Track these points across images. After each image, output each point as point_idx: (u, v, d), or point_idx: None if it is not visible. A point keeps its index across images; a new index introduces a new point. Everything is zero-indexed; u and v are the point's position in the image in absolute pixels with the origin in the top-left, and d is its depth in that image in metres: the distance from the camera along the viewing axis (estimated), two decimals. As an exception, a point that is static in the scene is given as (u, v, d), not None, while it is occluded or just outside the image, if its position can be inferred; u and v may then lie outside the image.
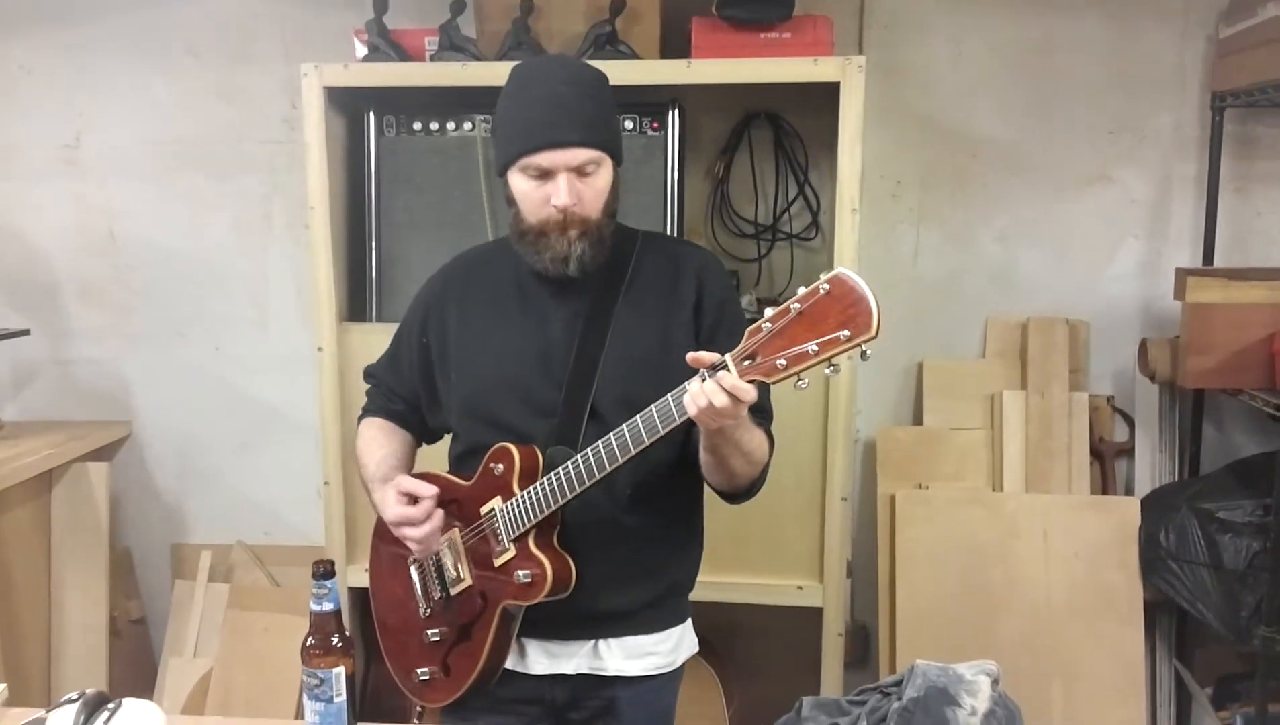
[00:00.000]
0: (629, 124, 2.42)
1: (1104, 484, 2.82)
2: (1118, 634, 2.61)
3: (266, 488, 3.14)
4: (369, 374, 1.81)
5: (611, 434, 1.41)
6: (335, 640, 1.37)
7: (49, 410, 3.17)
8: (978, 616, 2.64)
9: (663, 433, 1.37)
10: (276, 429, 3.11)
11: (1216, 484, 2.62)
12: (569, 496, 1.45)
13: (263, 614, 2.90)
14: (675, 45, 2.47)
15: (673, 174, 2.46)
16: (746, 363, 1.29)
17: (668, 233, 2.44)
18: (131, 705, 1.30)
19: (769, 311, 1.28)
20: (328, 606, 1.37)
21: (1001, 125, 2.78)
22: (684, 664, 1.69)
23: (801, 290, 1.26)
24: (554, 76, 1.51)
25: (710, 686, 2.56)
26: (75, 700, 1.29)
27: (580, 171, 1.48)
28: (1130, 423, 2.85)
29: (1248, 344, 2.43)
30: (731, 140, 2.75)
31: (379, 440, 1.72)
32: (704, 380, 1.30)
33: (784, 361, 1.25)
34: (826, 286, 1.23)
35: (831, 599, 2.44)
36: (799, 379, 1.26)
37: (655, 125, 2.44)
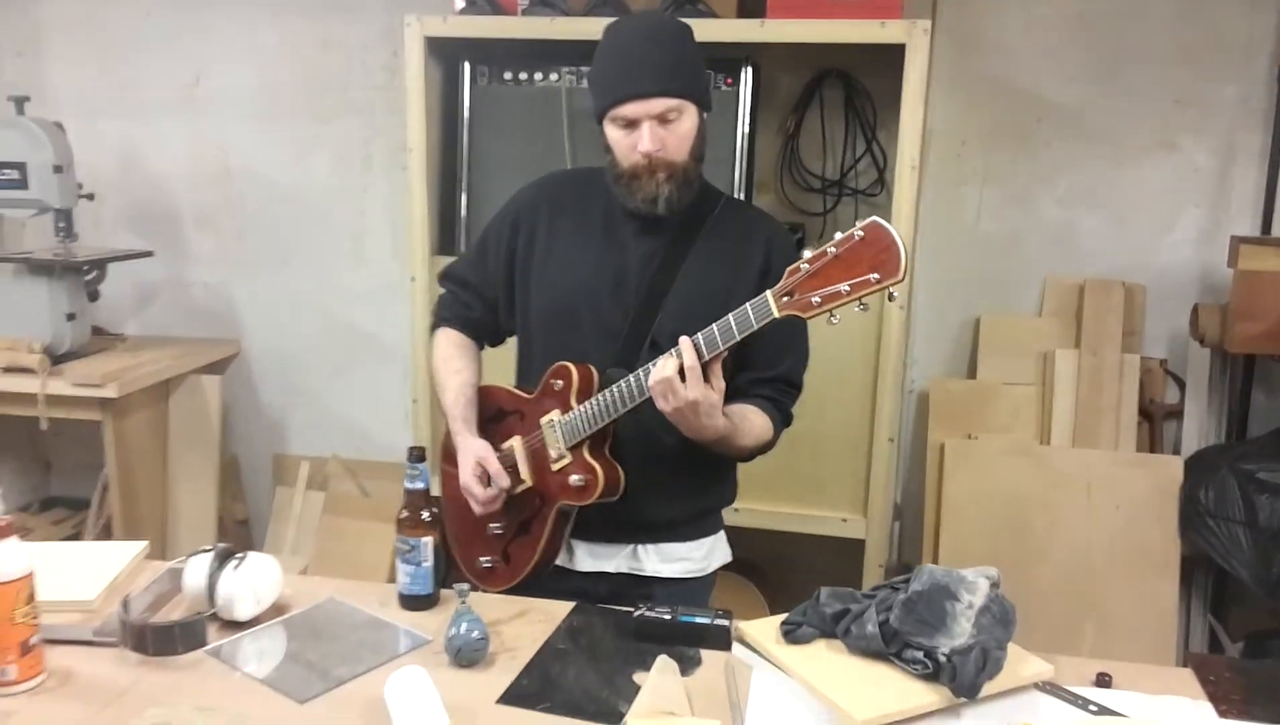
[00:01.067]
0: (703, 80, 2.56)
1: (1151, 444, 2.90)
2: (1153, 586, 2.71)
3: (360, 407, 3.39)
4: (448, 276, 1.89)
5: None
6: (424, 514, 1.58)
7: (167, 327, 3.46)
8: (1018, 561, 2.74)
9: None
10: (370, 354, 3.34)
11: (1260, 447, 2.69)
12: (620, 412, 1.60)
13: (354, 521, 3.16)
14: (751, 5, 2.58)
15: (744, 128, 2.59)
16: (785, 299, 1.43)
17: (738, 185, 2.59)
18: (254, 557, 1.53)
19: (807, 253, 1.41)
20: (419, 484, 1.59)
21: (1067, 91, 2.84)
22: (716, 571, 1.86)
23: (838, 236, 1.39)
24: (637, 33, 1.65)
25: (759, 609, 2.74)
26: (209, 551, 1.52)
27: (663, 119, 1.60)
28: (1181, 385, 2.92)
29: (1296, 312, 2.50)
30: (804, 97, 2.87)
31: (455, 362, 1.84)
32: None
33: (819, 298, 1.39)
34: (860, 233, 1.36)
35: (874, 532, 2.59)
36: (832, 316, 1.40)
37: (729, 81, 2.57)
